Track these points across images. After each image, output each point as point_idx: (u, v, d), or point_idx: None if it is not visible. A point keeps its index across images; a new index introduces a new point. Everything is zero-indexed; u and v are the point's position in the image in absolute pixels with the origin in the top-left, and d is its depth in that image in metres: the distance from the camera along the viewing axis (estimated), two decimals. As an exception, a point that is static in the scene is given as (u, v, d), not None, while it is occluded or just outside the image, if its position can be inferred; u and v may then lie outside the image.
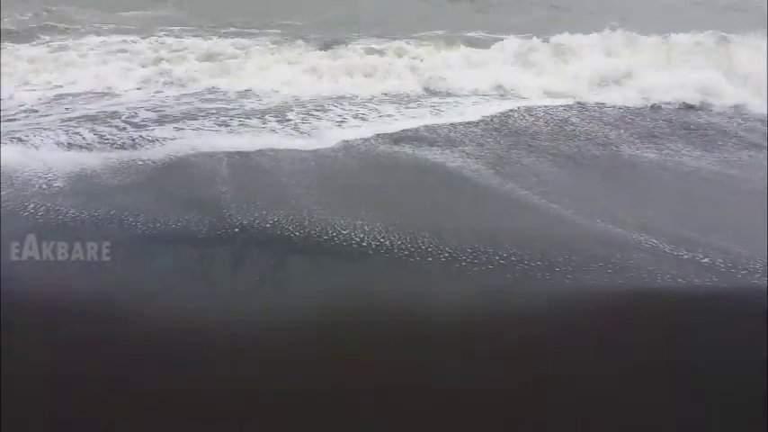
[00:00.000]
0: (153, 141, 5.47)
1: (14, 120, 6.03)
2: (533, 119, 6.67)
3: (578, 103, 7.34)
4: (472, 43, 9.29)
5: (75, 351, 2.88)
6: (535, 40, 8.92)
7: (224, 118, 6.28)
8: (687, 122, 6.78)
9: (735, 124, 6.79)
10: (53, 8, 10.93)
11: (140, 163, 4.95)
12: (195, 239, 3.87)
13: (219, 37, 9.27)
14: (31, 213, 4.03)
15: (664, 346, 3.02)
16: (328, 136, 5.79)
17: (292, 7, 12.21)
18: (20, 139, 5.35)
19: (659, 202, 4.64)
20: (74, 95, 6.87)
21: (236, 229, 3.95)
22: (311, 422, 2.52)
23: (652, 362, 2.90)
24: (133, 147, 5.36)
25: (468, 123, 6.36)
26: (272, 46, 8.81)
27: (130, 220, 4.01)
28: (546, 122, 6.56)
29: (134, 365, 2.80)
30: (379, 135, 5.88)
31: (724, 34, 8.83)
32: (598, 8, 13.06)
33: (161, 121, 6.09)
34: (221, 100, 7.00)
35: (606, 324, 3.22)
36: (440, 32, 10.01)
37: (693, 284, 3.52)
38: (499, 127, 6.34)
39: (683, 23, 9.64)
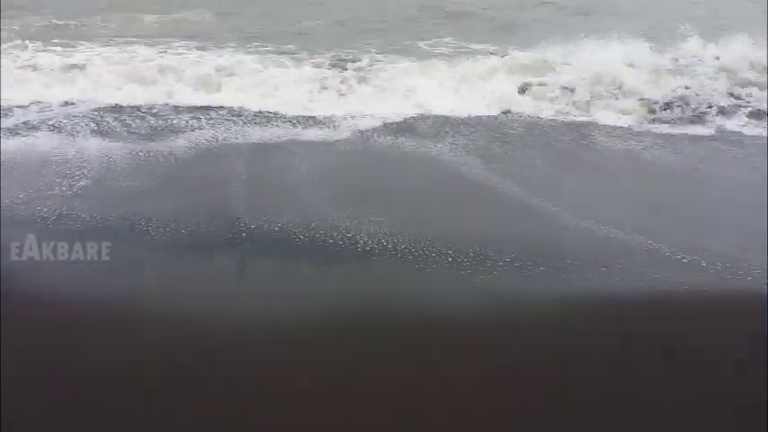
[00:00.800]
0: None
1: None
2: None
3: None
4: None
5: (81, 350, 3.03)
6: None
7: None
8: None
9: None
10: (78, 18, 11.13)
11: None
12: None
13: (237, 51, 9.14)
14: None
15: (663, 350, 3.13)
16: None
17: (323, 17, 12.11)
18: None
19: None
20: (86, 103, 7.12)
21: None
22: (320, 424, 2.62)
23: (652, 364, 3.03)
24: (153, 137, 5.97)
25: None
26: (288, 63, 8.60)
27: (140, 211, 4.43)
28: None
29: (136, 365, 2.92)
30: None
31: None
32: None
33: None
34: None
35: (603, 327, 3.35)
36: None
37: (692, 288, 3.66)
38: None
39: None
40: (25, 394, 2.73)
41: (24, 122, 6.37)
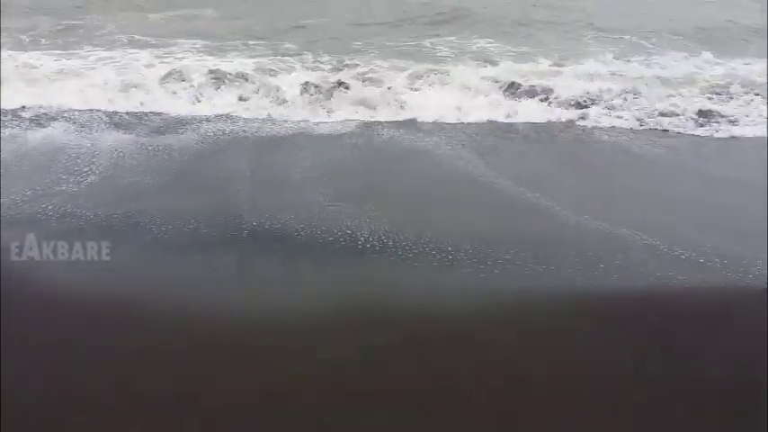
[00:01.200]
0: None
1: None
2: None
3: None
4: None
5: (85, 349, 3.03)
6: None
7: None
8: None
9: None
10: (85, 16, 11.16)
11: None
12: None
13: (239, 54, 9.10)
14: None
15: (663, 348, 3.12)
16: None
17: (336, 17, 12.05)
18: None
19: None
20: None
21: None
22: (321, 421, 2.61)
23: (651, 362, 3.02)
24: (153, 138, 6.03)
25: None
26: (292, 61, 8.60)
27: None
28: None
29: (137, 365, 2.92)
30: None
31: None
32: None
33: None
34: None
35: (603, 324, 3.35)
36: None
37: (691, 283, 3.66)
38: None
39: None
40: (25, 394, 2.72)
41: (23, 123, 6.39)
